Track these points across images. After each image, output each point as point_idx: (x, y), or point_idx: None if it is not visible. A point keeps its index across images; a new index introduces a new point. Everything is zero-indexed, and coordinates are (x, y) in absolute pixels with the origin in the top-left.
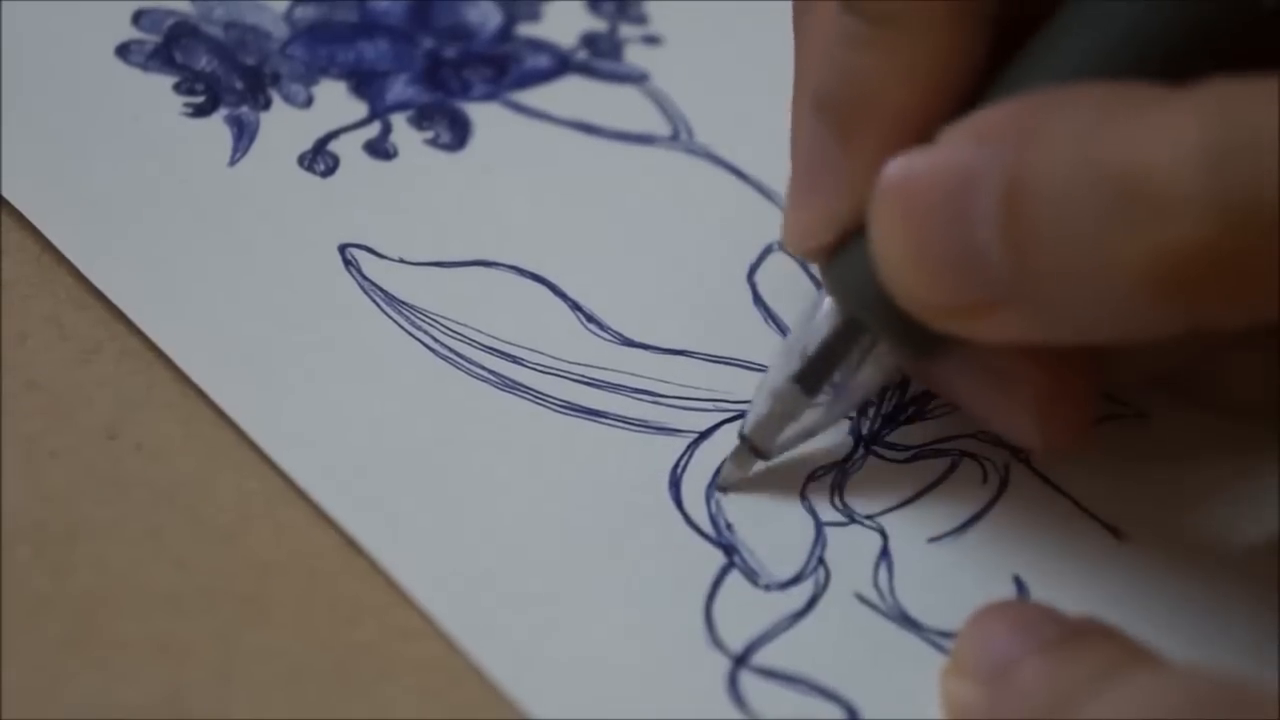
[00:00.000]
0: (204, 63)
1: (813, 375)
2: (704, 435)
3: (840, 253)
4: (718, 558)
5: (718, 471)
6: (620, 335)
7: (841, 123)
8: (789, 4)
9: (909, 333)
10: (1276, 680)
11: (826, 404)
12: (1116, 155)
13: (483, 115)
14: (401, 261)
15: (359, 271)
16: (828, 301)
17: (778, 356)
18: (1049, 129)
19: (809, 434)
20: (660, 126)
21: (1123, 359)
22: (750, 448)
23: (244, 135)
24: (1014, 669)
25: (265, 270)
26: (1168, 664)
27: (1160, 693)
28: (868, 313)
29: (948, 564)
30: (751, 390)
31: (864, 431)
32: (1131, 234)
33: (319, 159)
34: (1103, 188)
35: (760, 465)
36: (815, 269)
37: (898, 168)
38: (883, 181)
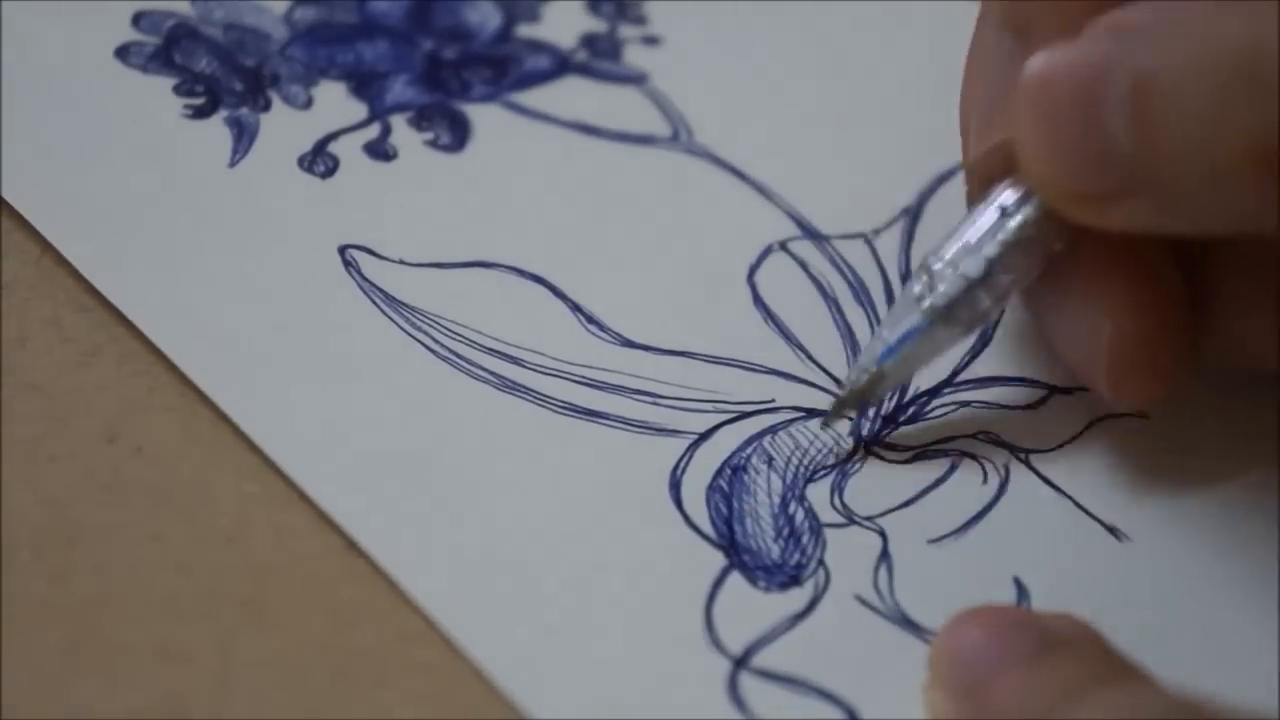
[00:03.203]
0: (204, 64)
1: (955, 309)
2: (704, 436)
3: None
4: (718, 559)
5: (718, 472)
6: (620, 336)
7: (1024, 27)
8: (789, 5)
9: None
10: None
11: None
12: (1234, 37)
13: (482, 116)
14: (401, 263)
15: (359, 273)
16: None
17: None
18: (1177, 16)
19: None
20: (660, 127)
21: (1224, 350)
22: (856, 398)
23: (244, 137)
24: (989, 684)
25: (265, 272)
26: (1144, 679)
27: (1134, 710)
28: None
29: (948, 565)
30: (751, 393)
31: (864, 433)
32: (1243, 113)
33: (319, 160)
34: (1220, 68)
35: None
36: (815, 271)
37: (1039, 61)
38: (1025, 73)
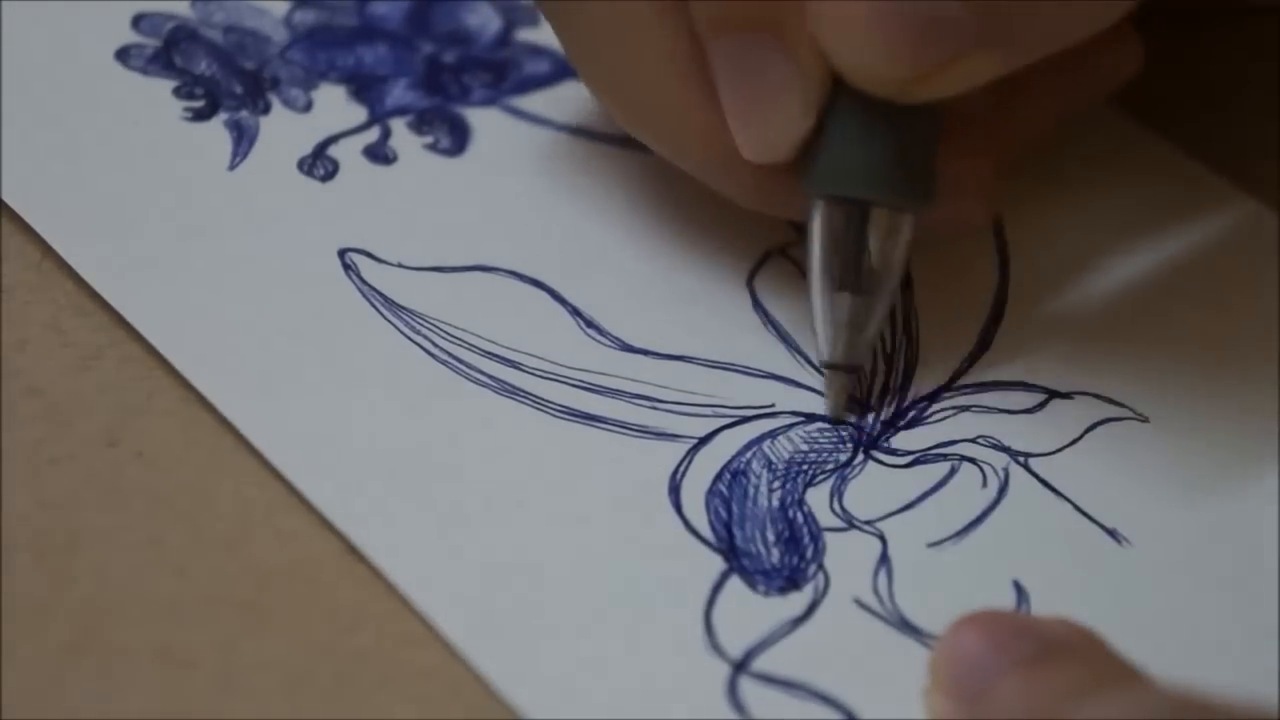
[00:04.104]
0: (203, 67)
1: (850, 274)
2: (704, 440)
3: (812, 158)
4: (717, 563)
5: (717, 476)
6: (620, 340)
7: (766, 20)
8: None
9: (907, 182)
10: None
11: (877, 293)
12: None
13: (482, 120)
14: (401, 266)
15: (358, 276)
16: (821, 207)
17: (813, 286)
18: None
19: (878, 328)
20: None
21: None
22: (840, 369)
23: (243, 140)
24: (991, 688)
25: (265, 275)
26: (1146, 681)
27: (1136, 712)
28: (863, 185)
29: (947, 569)
30: (751, 397)
31: (863, 437)
32: None
33: (318, 163)
34: None
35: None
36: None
37: None
38: None
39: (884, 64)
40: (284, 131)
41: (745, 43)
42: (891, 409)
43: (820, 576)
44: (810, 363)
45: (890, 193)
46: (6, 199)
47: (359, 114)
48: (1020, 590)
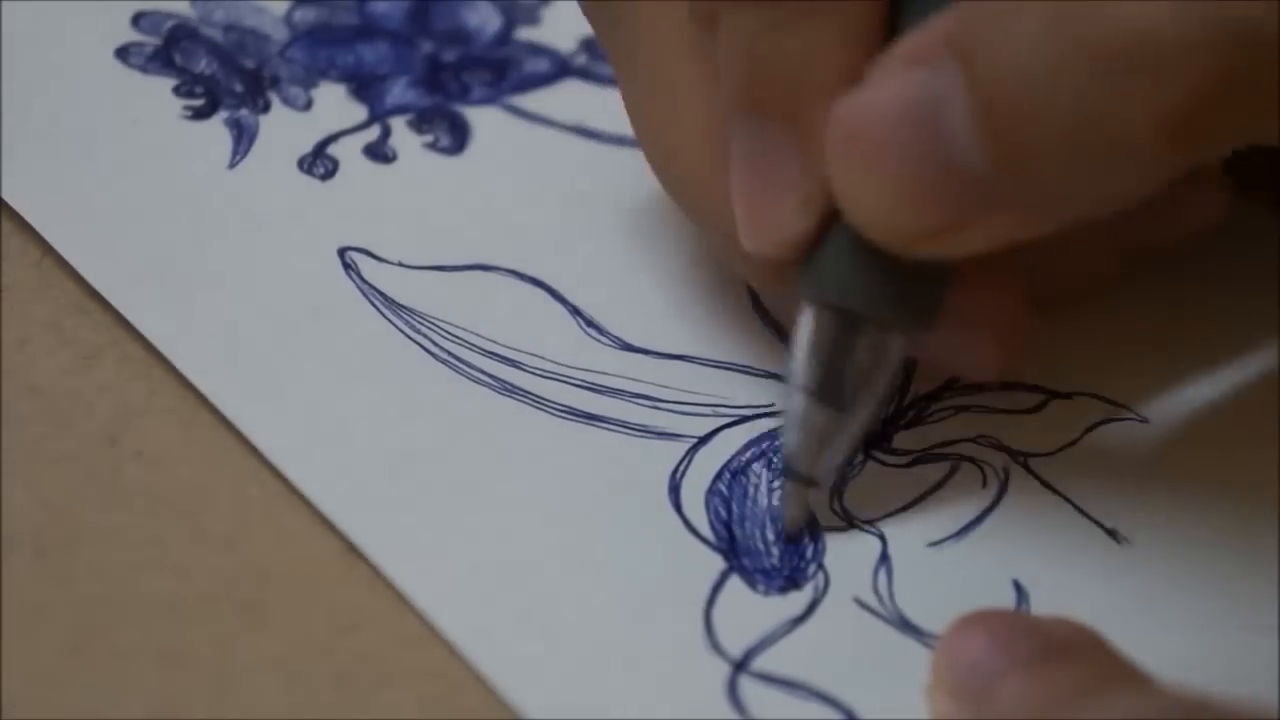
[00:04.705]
0: (203, 65)
1: (830, 386)
2: (704, 440)
3: (811, 258)
4: (717, 563)
5: (717, 476)
6: (620, 340)
7: (786, 110)
8: None
9: (905, 304)
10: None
11: (854, 411)
12: (1100, 29)
13: (482, 119)
14: (401, 265)
15: (358, 275)
16: (811, 312)
17: (790, 390)
18: (1007, 29)
19: (849, 448)
20: None
21: (1049, 273)
22: (801, 481)
23: (243, 138)
24: (993, 688)
25: (265, 274)
26: (1146, 682)
27: (1137, 713)
28: (858, 298)
29: (947, 568)
30: (751, 396)
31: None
32: (1139, 97)
33: (318, 162)
34: (1095, 64)
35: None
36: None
37: (845, 109)
38: (836, 128)
39: (886, 213)
40: (284, 130)
41: (760, 125)
42: (891, 408)
43: (820, 576)
44: None
45: (883, 309)
46: (6, 197)
47: (359, 113)
48: (1020, 590)
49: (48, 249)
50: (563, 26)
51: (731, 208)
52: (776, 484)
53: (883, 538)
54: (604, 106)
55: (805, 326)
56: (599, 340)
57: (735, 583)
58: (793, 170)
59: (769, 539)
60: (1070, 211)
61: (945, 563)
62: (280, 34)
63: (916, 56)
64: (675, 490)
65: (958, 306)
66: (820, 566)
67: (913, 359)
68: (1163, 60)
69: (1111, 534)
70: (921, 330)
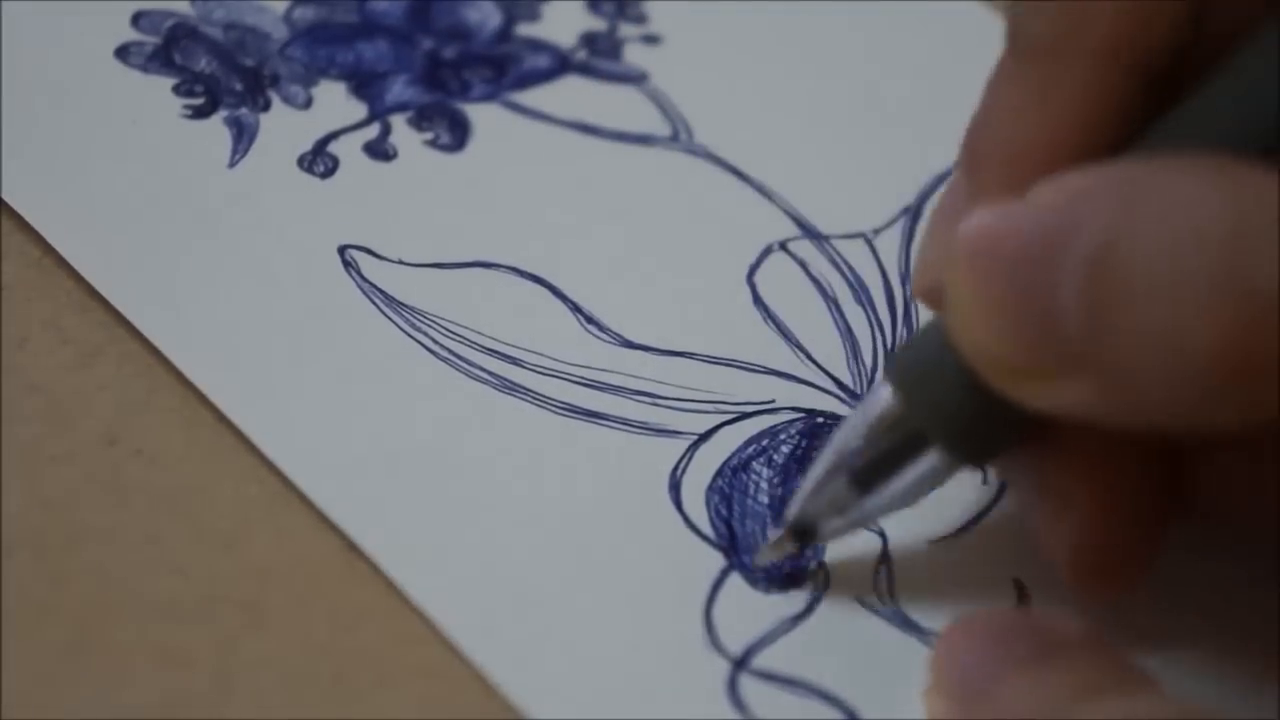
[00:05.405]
0: (203, 64)
1: (868, 475)
2: (704, 437)
3: (912, 345)
4: (718, 560)
5: (718, 473)
6: (620, 337)
7: (972, 158)
8: (788, 5)
9: (972, 443)
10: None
11: (877, 499)
12: (1212, 216)
13: (482, 116)
14: (401, 263)
15: (358, 273)
16: (886, 395)
17: (832, 445)
18: (1154, 195)
19: (854, 527)
20: (660, 127)
21: (1210, 509)
22: (794, 537)
23: (243, 137)
24: (991, 689)
25: (265, 272)
26: (1146, 682)
27: (1136, 713)
28: (931, 422)
29: (948, 566)
30: (751, 393)
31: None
32: (1217, 307)
33: (318, 160)
34: (1201, 257)
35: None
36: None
37: (980, 219)
38: (963, 230)
39: (977, 331)
40: (284, 128)
41: (959, 164)
42: None
43: (820, 574)
44: (811, 359)
45: (948, 438)
46: (6, 196)
47: (359, 110)
48: (1020, 588)
49: (47, 248)
50: (563, 23)
51: None
52: (777, 480)
53: (883, 535)
54: (604, 103)
55: (875, 405)
56: (599, 337)
57: (735, 580)
58: (954, 219)
59: (769, 536)
60: (1135, 407)
61: (945, 561)
62: (280, 32)
63: (1075, 190)
64: (675, 487)
65: (1052, 478)
66: (821, 564)
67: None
68: (1251, 283)
69: None
70: (977, 467)
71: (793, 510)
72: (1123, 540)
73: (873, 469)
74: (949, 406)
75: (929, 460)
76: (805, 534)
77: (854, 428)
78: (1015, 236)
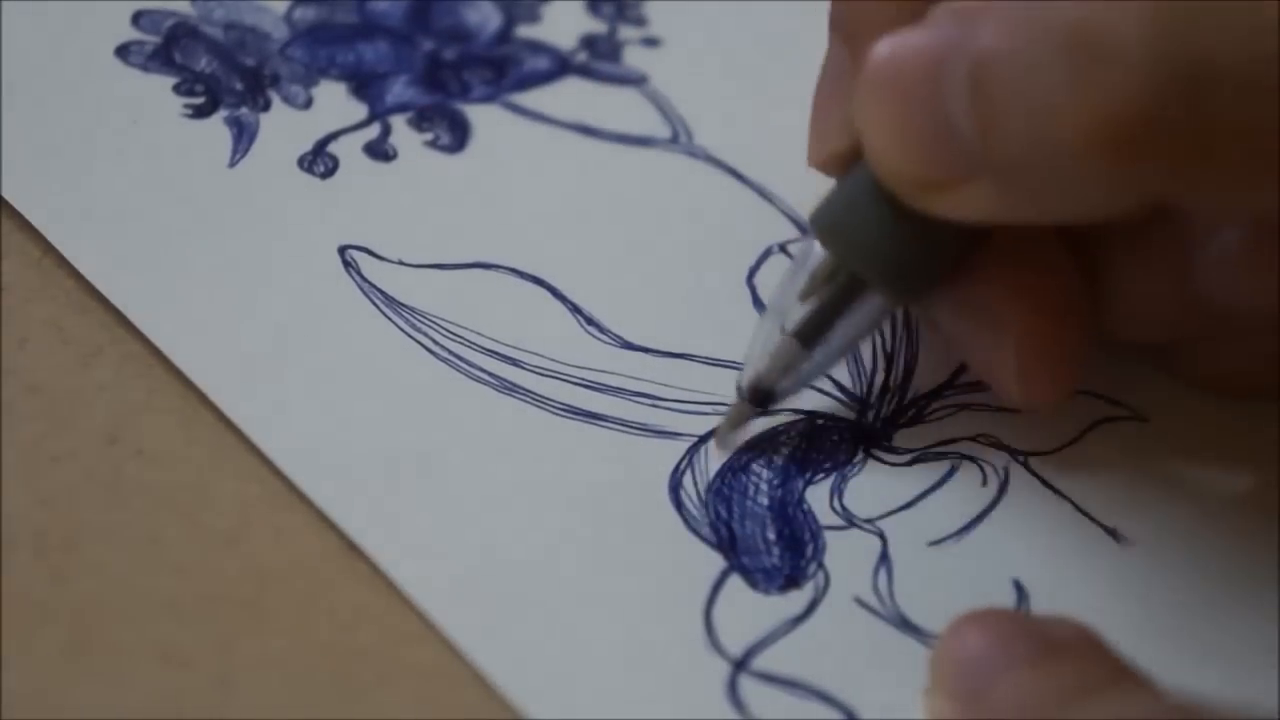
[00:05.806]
0: (204, 64)
1: (811, 330)
2: (704, 439)
3: (832, 200)
4: (717, 562)
5: (718, 475)
6: (620, 338)
7: (850, 31)
8: (788, 6)
9: (904, 277)
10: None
11: (823, 352)
12: (1066, 15)
13: (482, 117)
14: (401, 263)
15: (358, 273)
16: (817, 251)
17: (770, 308)
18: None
19: (806, 383)
20: (659, 129)
21: (1119, 323)
22: (752, 400)
23: (244, 137)
24: (990, 688)
25: (265, 273)
26: (1144, 682)
27: (1136, 713)
28: (864, 263)
29: (947, 568)
30: None
31: (863, 435)
32: (1080, 95)
33: (319, 160)
34: (1053, 50)
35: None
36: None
37: (883, 47)
38: (869, 61)
39: (887, 153)
40: (284, 128)
41: (834, 40)
42: (892, 406)
43: (820, 575)
44: None
45: (879, 273)
46: (6, 196)
47: (359, 111)
48: (1020, 589)
49: (48, 248)
50: (563, 24)
51: None
52: (776, 482)
53: (883, 536)
54: (603, 104)
55: (807, 260)
56: (599, 338)
57: (735, 582)
58: (845, 88)
59: (769, 538)
60: (1032, 204)
61: (945, 562)
62: (280, 32)
63: (960, 9)
64: (675, 489)
65: (986, 303)
66: (820, 565)
67: (912, 357)
68: (1114, 61)
69: (1111, 534)
70: (911, 303)
71: (747, 376)
72: (1058, 344)
73: (814, 324)
74: (877, 245)
75: (867, 304)
76: (763, 397)
77: (788, 289)
78: (910, 57)
